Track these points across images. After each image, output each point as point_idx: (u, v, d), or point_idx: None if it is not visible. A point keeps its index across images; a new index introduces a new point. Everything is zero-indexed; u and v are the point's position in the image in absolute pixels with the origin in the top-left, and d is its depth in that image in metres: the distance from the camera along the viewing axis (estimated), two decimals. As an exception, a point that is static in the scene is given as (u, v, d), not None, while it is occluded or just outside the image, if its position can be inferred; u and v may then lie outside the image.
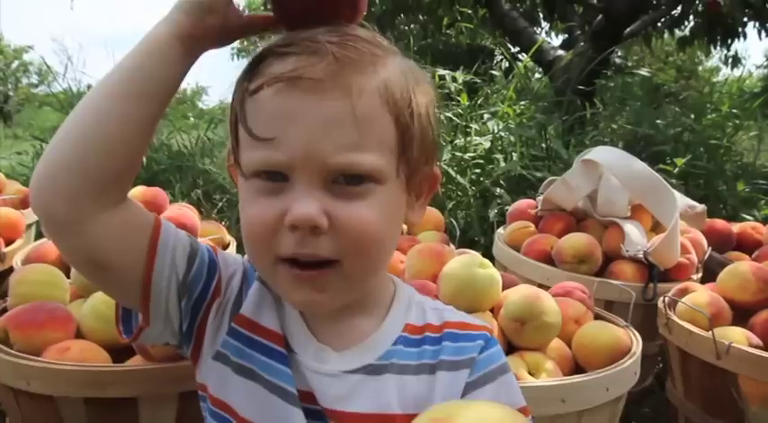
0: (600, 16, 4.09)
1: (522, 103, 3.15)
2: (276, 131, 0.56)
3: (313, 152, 0.55)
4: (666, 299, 1.46)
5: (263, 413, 0.62)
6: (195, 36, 0.59)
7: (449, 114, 2.88)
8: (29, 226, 2.23)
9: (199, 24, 0.59)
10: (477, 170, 2.71)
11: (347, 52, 0.57)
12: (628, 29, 4.16)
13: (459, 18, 4.90)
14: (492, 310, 1.21)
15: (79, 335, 1.16)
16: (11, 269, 1.74)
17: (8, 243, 1.89)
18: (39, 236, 2.28)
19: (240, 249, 1.03)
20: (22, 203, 2.33)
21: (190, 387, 1.04)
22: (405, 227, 1.72)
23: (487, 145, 2.70)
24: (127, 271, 0.60)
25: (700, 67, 13.50)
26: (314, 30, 0.59)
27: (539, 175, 2.66)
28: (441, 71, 3.11)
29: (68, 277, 1.40)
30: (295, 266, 0.58)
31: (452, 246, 1.84)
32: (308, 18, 0.60)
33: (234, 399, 0.63)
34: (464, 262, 1.19)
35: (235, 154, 0.62)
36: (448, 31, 5.85)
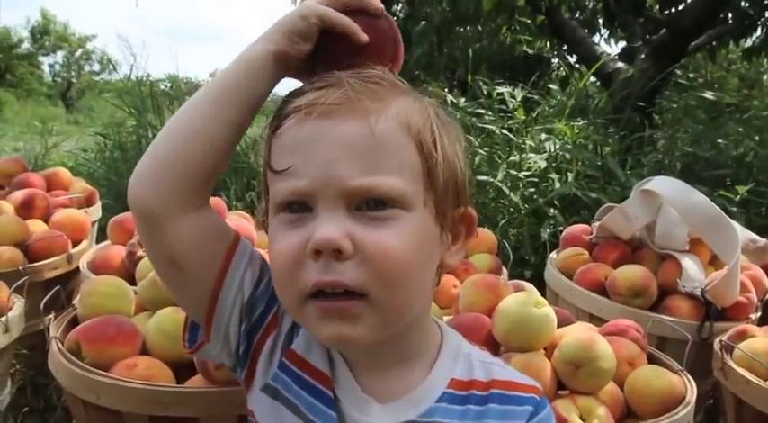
0: (663, 30, 3.99)
1: (580, 123, 3.10)
2: (295, 159, 0.57)
3: (332, 176, 0.55)
4: (723, 342, 1.43)
5: None
6: (288, 55, 0.64)
7: (504, 130, 2.86)
8: (92, 223, 2.33)
9: (293, 47, 0.63)
10: (532, 188, 2.70)
11: (364, 83, 0.58)
12: (692, 44, 4.05)
13: (517, 28, 4.85)
14: (546, 348, 1.21)
15: (144, 349, 1.21)
16: (77, 269, 1.83)
17: (75, 244, 1.97)
18: (100, 234, 2.38)
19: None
20: (87, 201, 2.43)
21: None
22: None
23: (543, 164, 2.67)
24: (200, 278, 0.63)
25: (765, 76, 12.91)
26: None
27: (593, 196, 2.63)
28: (499, 89, 3.09)
29: (134, 285, 1.47)
30: (321, 299, 0.57)
31: (505, 270, 1.84)
32: (362, 59, 0.64)
33: None
34: (520, 300, 1.19)
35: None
36: (504, 35, 5.80)
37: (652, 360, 1.31)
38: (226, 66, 0.64)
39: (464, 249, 0.66)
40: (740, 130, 3.62)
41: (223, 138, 0.62)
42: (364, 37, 0.64)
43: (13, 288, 1.43)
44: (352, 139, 0.56)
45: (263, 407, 0.65)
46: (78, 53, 24.18)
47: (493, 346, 1.21)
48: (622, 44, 5.37)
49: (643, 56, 4.23)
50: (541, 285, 2.04)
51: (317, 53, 0.65)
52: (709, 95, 3.63)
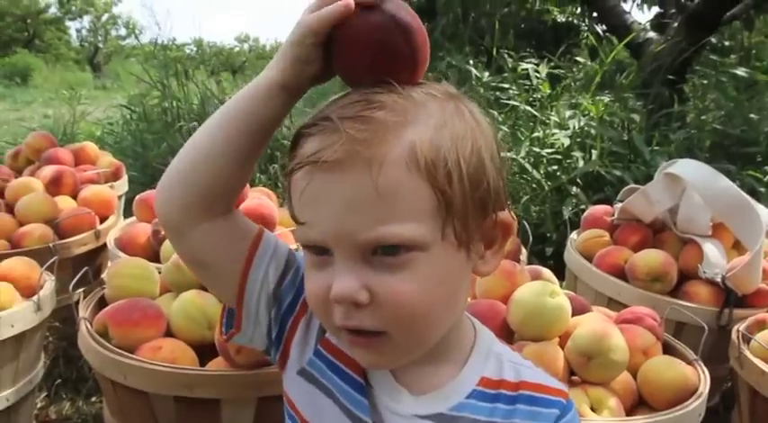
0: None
1: (607, 98, 3.03)
2: (307, 215, 0.58)
3: (342, 231, 0.56)
4: (741, 332, 1.43)
5: None
6: (297, 84, 0.63)
7: (527, 107, 2.82)
8: (119, 197, 2.38)
9: (300, 75, 0.62)
10: (555, 165, 2.67)
11: (364, 126, 0.55)
12: (728, 13, 3.91)
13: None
14: (560, 337, 1.22)
15: (168, 330, 1.26)
16: (104, 245, 1.88)
17: (102, 220, 2.03)
18: (127, 206, 2.43)
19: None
20: (114, 176, 2.49)
21: (268, 393, 1.14)
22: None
23: (567, 142, 2.63)
24: (225, 274, 0.67)
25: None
26: (335, 103, 0.60)
27: (617, 173, 2.59)
28: (523, 65, 3.03)
29: (159, 262, 1.51)
30: (349, 333, 0.60)
31: (524, 251, 1.84)
32: (365, 75, 0.60)
33: (312, 415, 0.67)
34: (535, 290, 1.21)
35: None
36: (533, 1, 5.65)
37: (667, 349, 1.32)
38: (240, 92, 0.65)
39: (502, 252, 0.65)
40: (775, 104, 3.51)
41: (232, 161, 0.63)
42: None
43: (44, 267, 1.48)
44: (356, 194, 0.55)
45: (300, 390, 0.68)
46: (104, 18, 24.27)
47: (507, 333, 1.23)
48: (655, 10, 5.20)
49: (676, 25, 4.10)
50: (561, 262, 2.05)
51: (332, 57, 0.62)
52: (741, 72, 3.51)
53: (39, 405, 1.71)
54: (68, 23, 24.27)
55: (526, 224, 1.96)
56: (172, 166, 0.65)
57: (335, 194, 0.56)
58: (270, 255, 0.67)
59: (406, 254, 0.56)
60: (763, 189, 2.48)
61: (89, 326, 1.23)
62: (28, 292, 1.45)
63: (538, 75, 3.03)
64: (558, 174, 2.66)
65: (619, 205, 1.97)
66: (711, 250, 1.72)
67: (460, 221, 0.59)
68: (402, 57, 0.60)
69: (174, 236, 0.66)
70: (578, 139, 2.74)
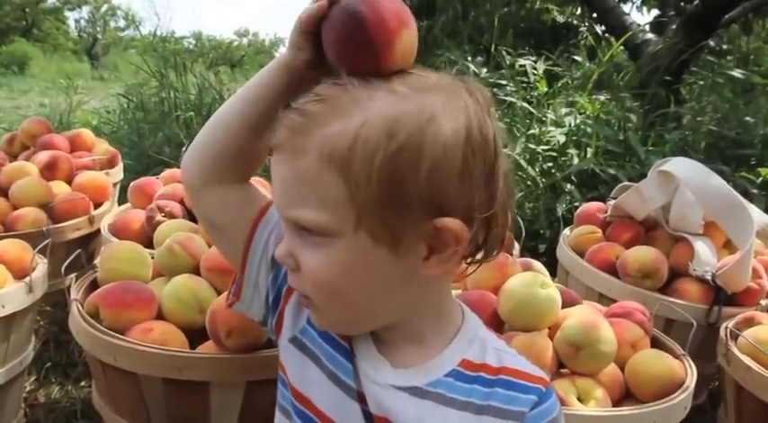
0: (696, 1, 3.87)
1: (603, 96, 3.04)
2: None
3: (276, 205, 0.66)
4: (729, 329, 1.44)
5: (327, 401, 0.68)
6: (294, 66, 0.70)
7: (524, 103, 2.83)
8: (114, 185, 2.38)
9: (295, 58, 0.69)
10: (550, 163, 2.68)
11: (298, 117, 0.61)
12: (726, 16, 3.93)
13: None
14: (550, 328, 1.23)
15: (159, 313, 1.26)
16: (98, 231, 1.88)
17: (96, 206, 2.03)
18: (122, 194, 2.43)
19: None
20: (110, 163, 2.48)
21: (257, 376, 1.14)
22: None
23: (562, 139, 2.65)
24: (234, 237, 0.75)
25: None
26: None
27: (612, 172, 2.60)
28: (521, 61, 3.04)
29: (152, 248, 1.51)
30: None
31: (517, 246, 1.85)
32: (340, 66, 0.63)
33: (300, 382, 0.71)
34: (526, 280, 1.21)
35: None
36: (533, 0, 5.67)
37: (656, 343, 1.33)
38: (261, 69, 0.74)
39: (454, 259, 0.64)
40: (770, 108, 3.53)
41: (243, 125, 0.71)
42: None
43: (36, 250, 1.48)
44: (283, 176, 0.63)
45: (291, 359, 0.73)
46: (104, 9, 24.22)
47: (497, 324, 1.24)
48: (654, 12, 5.22)
49: (674, 27, 4.12)
50: (554, 259, 2.06)
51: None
52: (737, 73, 3.53)
53: (28, 388, 1.71)
54: (67, 13, 24.23)
55: (519, 220, 1.97)
56: (200, 132, 0.75)
57: (275, 172, 0.64)
58: (273, 223, 0.74)
59: (318, 237, 0.62)
60: (756, 190, 2.49)
61: (80, 307, 1.23)
62: (20, 274, 1.45)
63: (535, 72, 3.04)
64: (553, 171, 2.67)
65: (612, 202, 1.98)
66: (702, 248, 1.73)
67: (376, 218, 0.59)
68: (357, 44, 0.61)
69: (193, 196, 0.76)
70: (574, 137, 2.76)
